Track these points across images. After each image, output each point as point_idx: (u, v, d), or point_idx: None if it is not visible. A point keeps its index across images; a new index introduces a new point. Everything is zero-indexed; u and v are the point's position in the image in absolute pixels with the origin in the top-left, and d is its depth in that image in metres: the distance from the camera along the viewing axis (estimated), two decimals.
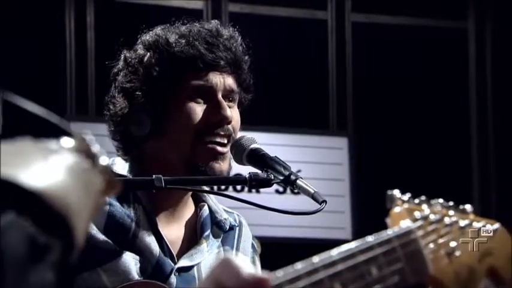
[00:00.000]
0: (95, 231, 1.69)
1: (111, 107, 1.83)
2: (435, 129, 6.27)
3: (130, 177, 1.79)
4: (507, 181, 6.05)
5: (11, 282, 0.75)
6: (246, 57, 1.89)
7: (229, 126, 1.81)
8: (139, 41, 1.85)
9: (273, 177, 1.76)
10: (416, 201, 1.24)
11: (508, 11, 6.38)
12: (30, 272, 0.77)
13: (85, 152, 0.84)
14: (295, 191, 1.76)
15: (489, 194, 6.23)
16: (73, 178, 0.81)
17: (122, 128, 1.82)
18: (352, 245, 1.12)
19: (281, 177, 1.75)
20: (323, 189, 1.82)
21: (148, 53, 1.82)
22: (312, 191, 1.73)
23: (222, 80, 1.82)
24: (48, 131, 0.85)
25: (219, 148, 1.79)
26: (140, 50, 1.83)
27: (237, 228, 1.91)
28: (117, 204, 1.74)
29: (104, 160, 0.86)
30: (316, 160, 5.87)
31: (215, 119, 1.79)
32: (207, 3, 6.05)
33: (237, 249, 1.89)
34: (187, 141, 1.78)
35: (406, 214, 1.21)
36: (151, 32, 1.85)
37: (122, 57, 1.85)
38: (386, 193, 1.25)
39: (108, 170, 0.87)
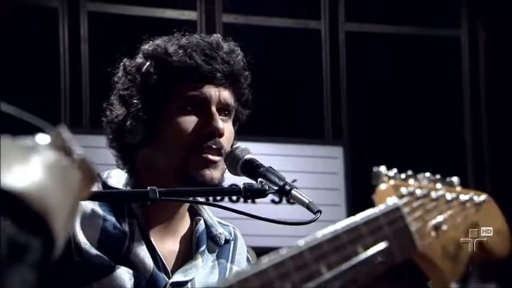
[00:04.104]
0: (88, 246, 1.68)
1: (108, 113, 1.83)
2: (430, 138, 6.28)
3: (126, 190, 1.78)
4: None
5: None
6: (246, 73, 1.86)
7: (221, 139, 1.79)
8: (139, 50, 1.86)
9: (267, 188, 1.75)
10: (403, 176, 1.20)
11: (500, 19, 6.40)
12: (10, 272, 0.76)
13: (61, 148, 0.83)
14: (291, 201, 1.75)
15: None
16: (52, 177, 0.80)
17: (118, 135, 1.82)
18: (338, 225, 1.08)
19: (275, 188, 1.73)
20: (319, 199, 1.81)
21: (147, 62, 1.82)
22: (307, 201, 1.72)
23: (217, 93, 1.80)
24: (23, 128, 0.84)
25: (211, 157, 1.78)
26: (139, 58, 1.84)
27: (232, 242, 1.89)
28: (112, 218, 1.73)
29: (80, 154, 0.84)
30: (311, 170, 5.87)
31: (207, 131, 1.77)
32: (201, 14, 6.05)
33: (232, 262, 1.87)
34: (179, 151, 1.77)
35: (393, 191, 1.18)
36: (151, 42, 1.85)
37: (122, 66, 1.86)
38: (372, 170, 1.20)
39: (85, 164, 0.85)
